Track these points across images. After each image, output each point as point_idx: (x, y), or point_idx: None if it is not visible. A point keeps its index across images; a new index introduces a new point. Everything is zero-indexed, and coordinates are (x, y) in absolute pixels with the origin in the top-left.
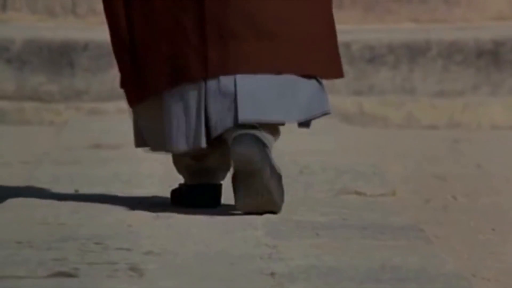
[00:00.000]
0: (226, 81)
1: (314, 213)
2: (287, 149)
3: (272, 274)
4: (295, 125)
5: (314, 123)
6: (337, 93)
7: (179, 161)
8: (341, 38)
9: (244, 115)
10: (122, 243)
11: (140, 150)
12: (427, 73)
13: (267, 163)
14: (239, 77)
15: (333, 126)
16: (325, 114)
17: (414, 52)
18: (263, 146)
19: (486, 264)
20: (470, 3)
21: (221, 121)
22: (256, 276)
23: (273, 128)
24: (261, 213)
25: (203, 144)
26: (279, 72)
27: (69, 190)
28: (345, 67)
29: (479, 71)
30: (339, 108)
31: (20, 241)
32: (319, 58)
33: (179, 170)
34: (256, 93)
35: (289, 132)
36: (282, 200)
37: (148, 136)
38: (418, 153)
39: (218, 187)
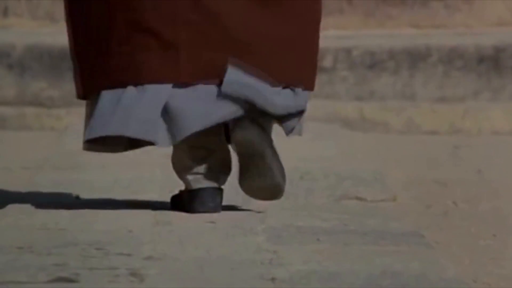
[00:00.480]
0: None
1: (315, 219)
2: (288, 155)
3: (273, 279)
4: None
5: (314, 128)
6: (338, 99)
7: (179, 165)
8: (341, 43)
9: (229, 83)
10: (123, 249)
11: (140, 155)
12: (428, 79)
13: (268, 145)
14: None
15: (334, 132)
16: (301, 112)
17: (415, 58)
18: (262, 129)
19: (487, 270)
20: (471, 9)
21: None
22: (257, 281)
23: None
24: (264, 198)
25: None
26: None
27: (70, 195)
28: (346, 73)
29: (480, 77)
30: (340, 113)
31: (21, 246)
32: (297, 70)
33: (179, 175)
34: (243, 78)
35: (290, 138)
36: (284, 182)
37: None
38: (419, 158)
39: (219, 191)
